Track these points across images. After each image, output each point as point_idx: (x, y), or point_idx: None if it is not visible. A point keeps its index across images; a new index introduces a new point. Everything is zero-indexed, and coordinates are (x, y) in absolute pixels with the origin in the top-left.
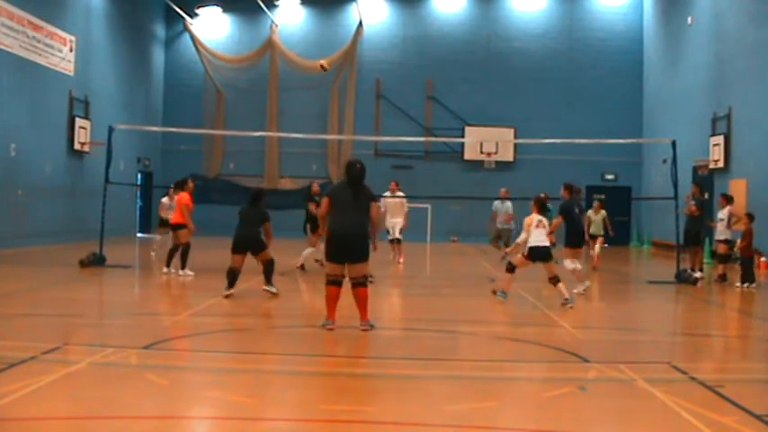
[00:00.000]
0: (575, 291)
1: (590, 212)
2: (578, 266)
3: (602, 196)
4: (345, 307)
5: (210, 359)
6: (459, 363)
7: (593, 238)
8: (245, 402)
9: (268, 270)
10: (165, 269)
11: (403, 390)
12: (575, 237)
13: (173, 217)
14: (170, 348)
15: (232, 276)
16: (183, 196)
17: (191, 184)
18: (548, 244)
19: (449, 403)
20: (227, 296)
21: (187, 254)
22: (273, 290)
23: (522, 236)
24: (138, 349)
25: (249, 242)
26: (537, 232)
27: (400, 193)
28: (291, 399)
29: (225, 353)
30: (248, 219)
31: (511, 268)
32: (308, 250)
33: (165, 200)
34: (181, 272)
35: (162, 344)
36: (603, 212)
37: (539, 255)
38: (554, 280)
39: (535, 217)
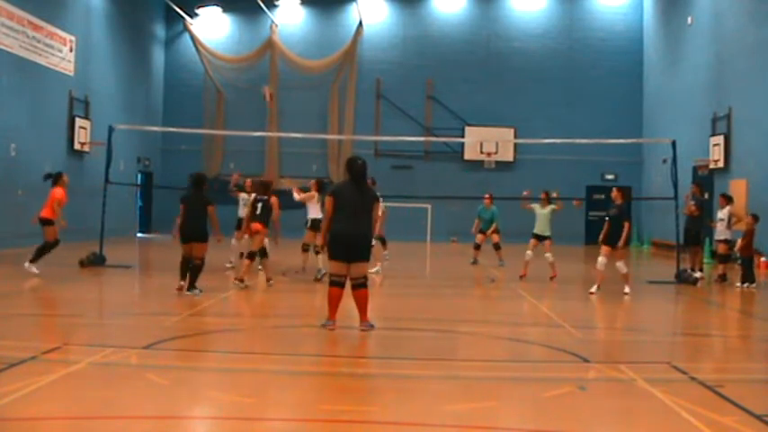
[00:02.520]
0: (625, 291)
1: (535, 206)
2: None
3: (554, 192)
4: (345, 307)
5: (210, 359)
6: (460, 363)
7: (540, 239)
8: (245, 402)
9: (195, 272)
10: (29, 265)
11: (403, 390)
12: (629, 239)
13: (42, 212)
14: (170, 348)
15: (184, 267)
16: (57, 191)
17: (65, 179)
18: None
19: (449, 403)
20: (179, 288)
21: (47, 251)
22: (197, 292)
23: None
24: (138, 349)
25: (194, 233)
26: (317, 207)
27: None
28: (291, 399)
29: (225, 353)
30: (193, 207)
31: (307, 248)
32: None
33: (244, 195)
34: (27, 264)
35: (162, 344)
36: (552, 206)
37: (318, 225)
38: (319, 248)
39: (317, 194)
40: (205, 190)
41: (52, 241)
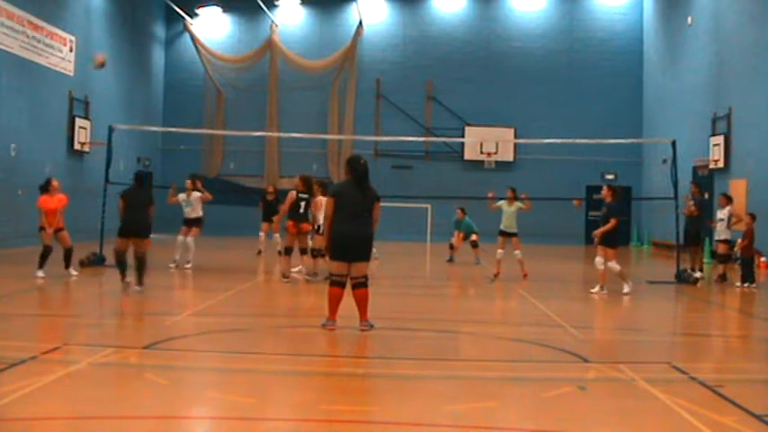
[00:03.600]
0: (624, 291)
1: (502, 203)
2: (620, 269)
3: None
4: (345, 307)
5: (210, 359)
6: (460, 363)
7: (506, 235)
8: (245, 402)
9: (141, 267)
10: (73, 271)
11: (403, 390)
12: (619, 237)
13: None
14: (170, 348)
15: (122, 262)
16: (40, 200)
17: (54, 184)
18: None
19: (449, 403)
20: (126, 282)
21: (46, 258)
22: (141, 289)
23: (321, 216)
24: (138, 349)
25: (138, 227)
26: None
27: None
28: (291, 399)
29: (225, 353)
30: (134, 203)
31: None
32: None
33: (183, 196)
34: (59, 270)
35: (162, 344)
36: (519, 204)
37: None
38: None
39: (323, 199)
40: (147, 189)
41: (43, 248)
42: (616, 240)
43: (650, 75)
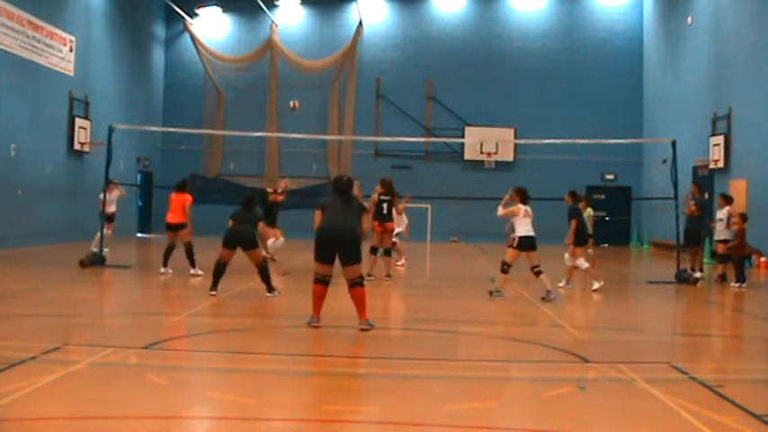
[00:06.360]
0: (593, 288)
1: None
2: (589, 265)
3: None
4: (346, 307)
5: (210, 359)
6: (459, 363)
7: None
8: (245, 402)
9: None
10: (162, 269)
11: (403, 390)
12: (584, 236)
13: (175, 217)
14: (170, 348)
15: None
16: (187, 197)
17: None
18: (534, 234)
19: (449, 403)
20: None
21: (192, 253)
22: (275, 294)
23: (511, 219)
24: (138, 349)
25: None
26: (524, 222)
27: None
28: (291, 399)
29: (225, 353)
30: (243, 219)
31: (506, 268)
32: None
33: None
34: (192, 270)
35: (162, 344)
36: (590, 210)
37: (527, 245)
38: (537, 270)
39: (522, 207)
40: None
41: (188, 243)
42: (580, 239)
43: (650, 75)
